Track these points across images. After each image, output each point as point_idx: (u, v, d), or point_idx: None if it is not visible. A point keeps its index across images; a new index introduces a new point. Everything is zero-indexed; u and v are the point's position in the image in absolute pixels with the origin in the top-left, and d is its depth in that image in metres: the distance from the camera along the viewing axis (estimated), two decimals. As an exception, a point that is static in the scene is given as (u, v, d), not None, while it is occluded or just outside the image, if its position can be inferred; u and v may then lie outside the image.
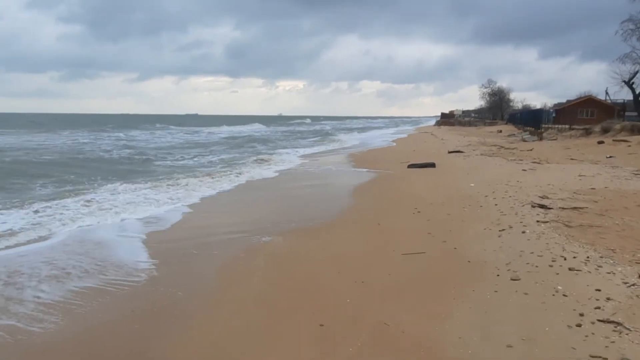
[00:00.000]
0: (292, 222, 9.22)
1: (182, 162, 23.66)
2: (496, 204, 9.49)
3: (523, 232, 7.13)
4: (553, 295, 4.78)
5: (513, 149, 26.16)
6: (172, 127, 73.25)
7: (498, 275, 5.48)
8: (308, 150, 30.81)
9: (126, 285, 5.89)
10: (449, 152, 23.78)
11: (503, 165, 17.30)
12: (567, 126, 34.77)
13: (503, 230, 7.41)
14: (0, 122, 76.81)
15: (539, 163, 17.72)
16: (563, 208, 8.69)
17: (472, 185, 12.23)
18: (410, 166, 17.97)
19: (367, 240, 7.78)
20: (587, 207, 8.76)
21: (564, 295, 4.75)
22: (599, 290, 4.80)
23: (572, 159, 19.88)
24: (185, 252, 7.37)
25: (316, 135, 55.39)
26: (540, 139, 33.08)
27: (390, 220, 9.01)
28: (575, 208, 8.67)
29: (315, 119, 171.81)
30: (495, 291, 5.03)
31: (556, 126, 37.45)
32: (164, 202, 11.40)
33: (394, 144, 36.97)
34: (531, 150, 24.57)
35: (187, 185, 14.18)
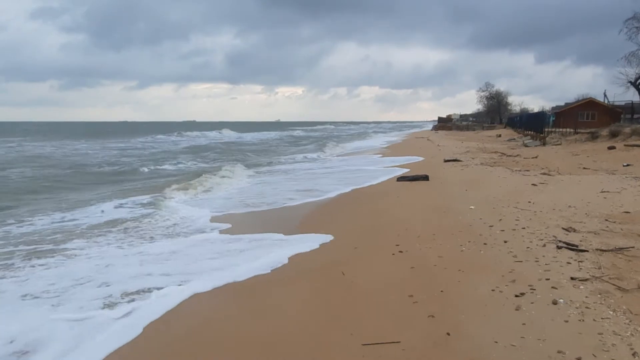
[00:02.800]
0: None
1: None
2: (506, 241, 6.93)
3: (554, 303, 4.53)
4: None
5: (516, 156, 23.66)
6: (223, 131, 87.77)
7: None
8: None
9: None
10: (445, 161, 21.24)
11: (507, 177, 14.75)
12: (571, 130, 32.28)
13: (522, 295, 4.84)
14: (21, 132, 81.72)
15: (549, 174, 15.19)
16: (602, 250, 6.14)
17: (472, 207, 9.68)
18: (400, 179, 15.45)
19: (320, 306, 5.26)
20: (634, 247, 6.23)
21: None
22: None
23: (584, 168, 17.44)
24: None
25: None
26: (544, 144, 30.63)
27: (360, 267, 6.48)
28: (618, 249, 6.14)
29: (333, 124, 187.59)
30: None
31: (559, 130, 34.95)
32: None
33: (388, 150, 34.41)
34: (536, 157, 22.09)
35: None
